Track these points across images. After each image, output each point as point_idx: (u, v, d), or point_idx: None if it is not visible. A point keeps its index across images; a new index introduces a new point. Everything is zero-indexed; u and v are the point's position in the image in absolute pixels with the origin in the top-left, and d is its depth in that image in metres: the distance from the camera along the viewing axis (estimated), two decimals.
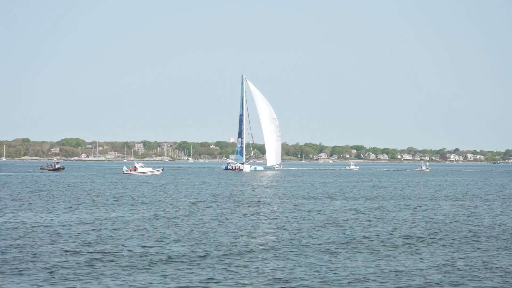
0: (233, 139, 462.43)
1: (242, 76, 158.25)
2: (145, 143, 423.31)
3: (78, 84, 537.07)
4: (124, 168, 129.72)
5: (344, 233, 32.09)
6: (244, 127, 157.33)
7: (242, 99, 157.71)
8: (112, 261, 23.72)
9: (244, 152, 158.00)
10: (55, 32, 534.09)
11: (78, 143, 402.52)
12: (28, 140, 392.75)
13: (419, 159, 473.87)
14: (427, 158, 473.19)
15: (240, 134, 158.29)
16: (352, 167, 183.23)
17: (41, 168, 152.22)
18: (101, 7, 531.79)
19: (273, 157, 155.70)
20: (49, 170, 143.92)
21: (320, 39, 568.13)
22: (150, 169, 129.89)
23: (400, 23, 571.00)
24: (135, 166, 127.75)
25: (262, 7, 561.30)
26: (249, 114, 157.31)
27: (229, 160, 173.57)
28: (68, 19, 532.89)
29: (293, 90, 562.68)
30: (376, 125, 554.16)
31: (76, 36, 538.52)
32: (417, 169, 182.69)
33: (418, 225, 36.53)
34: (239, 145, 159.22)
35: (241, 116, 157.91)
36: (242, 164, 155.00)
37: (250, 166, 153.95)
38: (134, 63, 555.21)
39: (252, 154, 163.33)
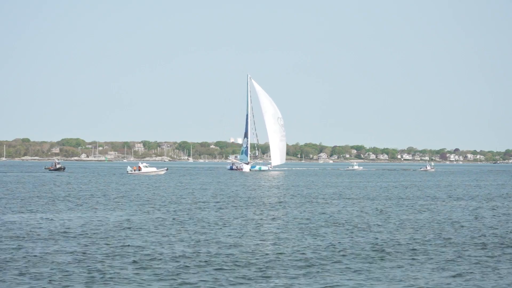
0: (233, 139, 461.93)
1: (247, 75, 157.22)
2: (145, 143, 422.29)
3: (78, 84, 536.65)
4: (128, 168, 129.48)
5: (378, 237, 31.23)
6: (249, 127, 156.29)
7: (248, 99, 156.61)
8: (151, 262, 23.19)
9: (249, 152, 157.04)
10: (55, 32, 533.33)
11: (78, 143, 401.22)
12: (28, 140, 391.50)
13: (419, 159, 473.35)
14: (427, 158, 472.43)
15: (245, 134, 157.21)
16: (356, 167, 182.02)
17: (45, 168, 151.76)
18: (101, 7, 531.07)
19: (277, 156, 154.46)
20: (50, 170, 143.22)
21: (320, 39, 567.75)
22: (154, 169, 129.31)
23: (400, 23, 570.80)
24: (139, 166, 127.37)
25: (261, 7, 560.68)
26: (254, 114, 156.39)
27: (233, 160, 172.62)
28: (68, 19, 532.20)
29: (293, 90, 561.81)
30: (376, 125, 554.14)
31: (76, 36, 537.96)
32: (422, 169, 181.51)
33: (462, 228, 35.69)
34: (244, 145, 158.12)
35: (247, 116, 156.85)
36: (247, 164, 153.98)
37: (251, 166, 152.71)
38: (134, 63, 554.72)
39: (257, 154, 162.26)
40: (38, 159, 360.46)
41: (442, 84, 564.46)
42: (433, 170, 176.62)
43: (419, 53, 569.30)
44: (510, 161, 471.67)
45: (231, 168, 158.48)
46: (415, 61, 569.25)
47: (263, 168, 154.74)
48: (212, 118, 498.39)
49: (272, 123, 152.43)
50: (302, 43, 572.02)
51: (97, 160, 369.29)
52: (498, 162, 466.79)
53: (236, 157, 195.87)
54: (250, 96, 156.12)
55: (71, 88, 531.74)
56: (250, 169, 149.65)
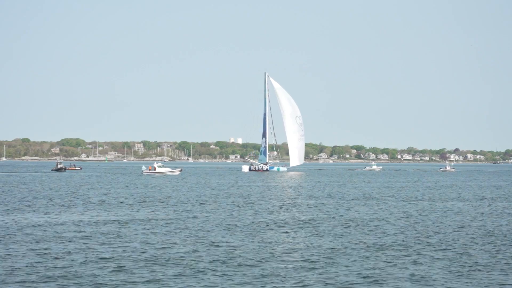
0: (232, 139, 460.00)
1: (265, 73, 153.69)
2: (145, 143, 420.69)
3: (78, 84, 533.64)
4: (143, 167, 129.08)
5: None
6: (267, 126, 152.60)
7: (265, 98, 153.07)
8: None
9: (268, 152, 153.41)
10: (55, 32, 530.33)
11: (78, 143, 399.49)
12: (28, 140, 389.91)
13: (419, 159, 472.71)
14: (427, 158, 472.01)
15: (263, 134, 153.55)
16: (374, 167, 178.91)
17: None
18: (102, 7, 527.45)
19: (296, 157, 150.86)
20: (52, 170, 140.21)
21: (320, 39, 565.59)
22: (168, 169, 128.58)
23: (400, 23, 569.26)
24: (154, 167, 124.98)
25: (261, 7, 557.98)
26: (271, 113, 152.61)
27: (250, 161, 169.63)
28: (68, 19, 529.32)
29: (293, 90, 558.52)
30: (376, 125, 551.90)
31: (76, 36, 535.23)
32: (441, 169, 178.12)
33: None
34: (262, 145, 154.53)
35: (265, 115, 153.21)
36: (265, 164, 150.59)
37: (269, 167, 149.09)
38: (134, 63, 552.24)
39: (275, 154, 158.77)
40: (38, 159, 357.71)
41: (442, 84, 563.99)
42: (453, 170, 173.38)
43: (419, 53, 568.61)
44: (510, 161, 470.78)
45: (249, 169, 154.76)
46: (415, 61, 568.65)
47: (282, 169, 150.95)
48: (212, 118, 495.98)
49: (290, 122, 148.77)
50: (302, 43, 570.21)
51: (97, 160, 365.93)
52: (498, 162, 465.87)
53: (236, 157, 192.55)
54: (269, 95, 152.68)
55: (71, 88, 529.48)
56: (268, 169, 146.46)
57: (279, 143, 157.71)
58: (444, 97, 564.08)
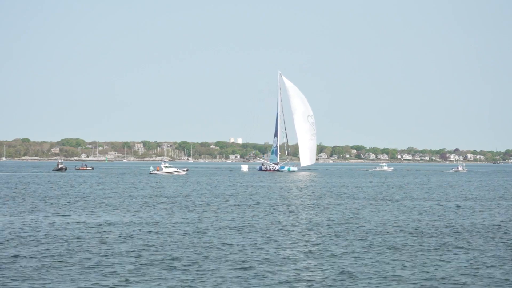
0: (232, 139, 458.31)
1: (278, 72, 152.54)
2: (145, 143, 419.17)
3: (77, 84, 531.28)
4: (151, 168, 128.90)
5: None
6: (278, 125, 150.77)
7: (278, 97, 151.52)
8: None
9: (279, 152, 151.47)
10: (55, 32, 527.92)
11: (78, 143, 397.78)
12: (28, 140, 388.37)
13: (419, 159, 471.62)
14: (427, 158, 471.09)
15: (275, 134, 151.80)
16: (385, 167, 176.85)
17: (76, 169, 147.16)
18: (102, 7, 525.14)
19: (307, 156, 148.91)
20: (53, 170, 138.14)
21: (320, 38, 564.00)
22: (175, 169, 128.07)
23: (400, 23, 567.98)
24: (161, 167, 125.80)
25: (261, 7, 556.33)
26: (283, 112, 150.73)
27: (262, 160, 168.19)
28: (68, 19, 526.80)
29: None
30: (376, 125, 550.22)
31: (76, 36, 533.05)
32: (453, 169, 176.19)
33: None
34: (274, 145, 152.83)
35: (277, 114, 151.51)
36: (276, 164, 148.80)
37: (280, 167, 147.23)
38: (134, 63, 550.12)
39: (286, 154, 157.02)
40: (38, 159, 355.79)
41: (442, 84, 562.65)
42: (465, 170, 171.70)
43: (419, 53, 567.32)
44: (510, 161, 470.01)
45: (260, 169, 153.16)
46: (415, 61, 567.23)
47: (292, 168, 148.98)
48: (212, 118, 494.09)
49: (301, 121, 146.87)
50: (302, 43, 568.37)
51: (97, 160, 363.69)
52: (498, 162, 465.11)
53: (236, 157, 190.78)
54: (281, 94, 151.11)
55: (71, 88, 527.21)
56: (279, 169, 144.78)
57: (287, 142, 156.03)
58: (444, 97, 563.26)
